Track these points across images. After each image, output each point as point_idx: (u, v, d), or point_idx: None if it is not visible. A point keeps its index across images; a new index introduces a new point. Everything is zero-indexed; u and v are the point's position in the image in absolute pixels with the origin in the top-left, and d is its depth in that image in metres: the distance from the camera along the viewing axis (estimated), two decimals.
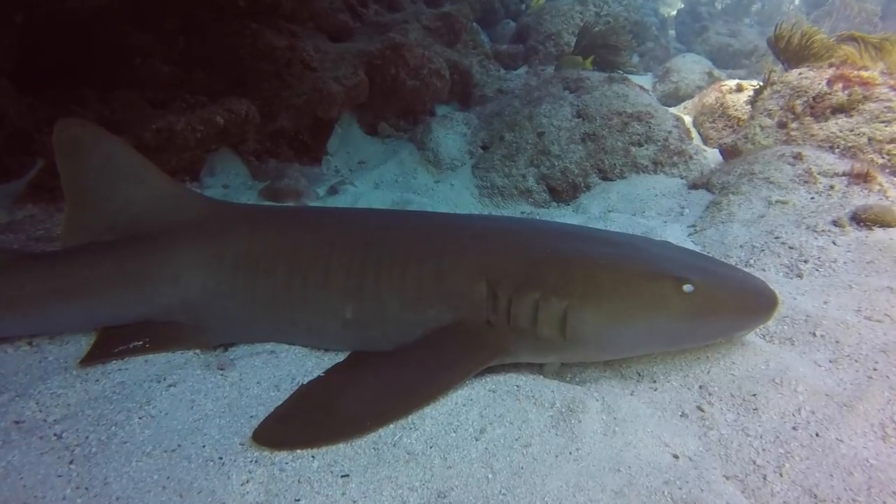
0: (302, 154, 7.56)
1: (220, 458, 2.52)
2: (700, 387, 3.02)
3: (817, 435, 2.60)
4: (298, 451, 2.55)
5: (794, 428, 2.66)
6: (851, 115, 6.05)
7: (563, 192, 6.69)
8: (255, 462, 2.49)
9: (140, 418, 2.80)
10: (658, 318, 2.99)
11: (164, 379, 3.09)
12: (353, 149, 8.18)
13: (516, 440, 2.60)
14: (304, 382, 3.01)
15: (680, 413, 2.87)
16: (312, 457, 2.52)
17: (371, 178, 7.27)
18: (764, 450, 2.57)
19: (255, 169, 7.14)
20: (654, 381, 3.14)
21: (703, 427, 2.76)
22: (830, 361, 3.14)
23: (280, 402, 2.85)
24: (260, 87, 7.28)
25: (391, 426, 2.68)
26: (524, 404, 2.82)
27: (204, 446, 2.60)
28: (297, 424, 2.70)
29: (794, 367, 3.03)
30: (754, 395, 2.86)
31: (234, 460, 2.50)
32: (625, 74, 8.13)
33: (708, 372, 3.11)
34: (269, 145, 7.33)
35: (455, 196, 6.93)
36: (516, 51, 11.71)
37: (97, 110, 6.26)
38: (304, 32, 8.16)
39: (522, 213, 6.58)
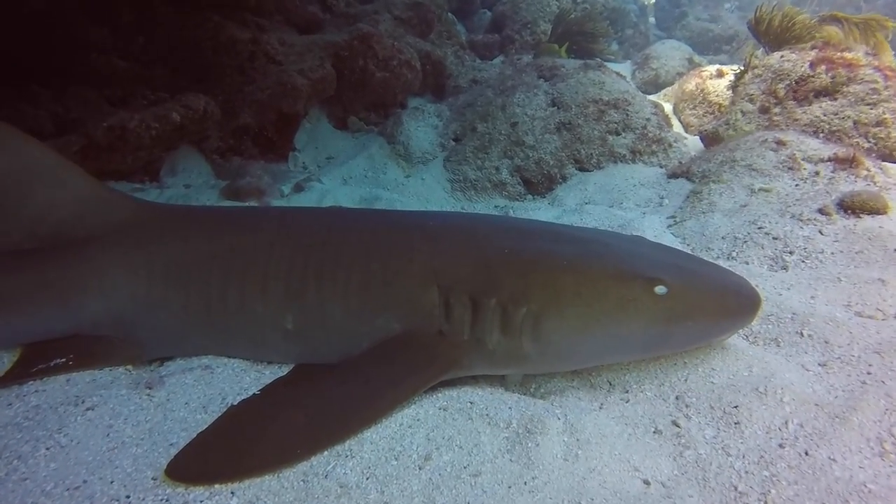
0: (267, 150, 7.23)
1: (128, 497, 2.20)
2: (676, 397, 2.72)
3: (807, 453, 2.29)
4: (217, 485, 2.24)
5: (780, 445, 2.36)
6: (836, 98, 5.79)
7: (538, 184, 6.38)
8: (166, 501, 2.17)
9: (48, 449, 2.47)
10: (628, 324, 2.69)
11: (83, 401, 2.77)
12: (322, 144, 7.84)
13: (465, 468, 2.28)
14: (235, 403, 2.70)
15: (653, 429, 2.55)
16: (232, 493, 2.20)
17: (339, 174, 6.94)
18: (747, 472, 2.26)
19: (219, 167, 6.81)
20: (627, 392, 2.84)
21: (678, 446, 2.45)
22: (820, 365, 2.85)
23: (205, 427, 2.53)
24: (222, 82, 6.99)
25: (326, 453, 2.37)
26: (477, 424, 2.51)
27: (112, 482, 2.28)
28: (218, 454, 2.38)
29: (779, 373, 2.73)
30: (736, 406, 2.56)
31: (143, 499, 2.18)
32: (601, 62, 7.82)
33: (685, 380, 2.81)
34: (232, 142, 7.00)
35: (426, 191, 6.62)
36: (492, 40, 11.37)
37: (51, 109, 5.95)
38: (271, 26, 7.83)
39: (496, 206, 6.27)
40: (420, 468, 2.29)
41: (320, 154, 7.68)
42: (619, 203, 5.63)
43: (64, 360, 3.06)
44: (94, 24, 6.40)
